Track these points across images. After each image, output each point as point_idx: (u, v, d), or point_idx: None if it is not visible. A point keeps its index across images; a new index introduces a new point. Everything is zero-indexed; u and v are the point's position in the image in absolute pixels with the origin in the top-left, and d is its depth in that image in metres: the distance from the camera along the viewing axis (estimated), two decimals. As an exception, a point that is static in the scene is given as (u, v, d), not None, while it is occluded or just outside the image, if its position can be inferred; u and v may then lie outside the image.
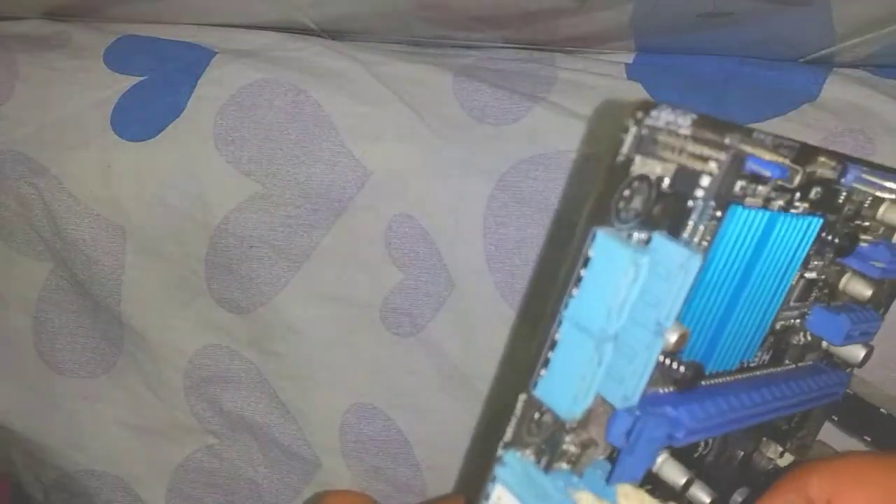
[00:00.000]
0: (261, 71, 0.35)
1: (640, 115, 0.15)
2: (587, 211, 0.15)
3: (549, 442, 0.17)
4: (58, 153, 0.35)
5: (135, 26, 0.37)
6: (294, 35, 0.37)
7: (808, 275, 0.22)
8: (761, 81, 0.35)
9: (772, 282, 0.20)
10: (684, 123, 0.15)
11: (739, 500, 0.24)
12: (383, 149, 0.35)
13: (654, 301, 0.15)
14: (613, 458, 0.18)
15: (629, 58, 0.37)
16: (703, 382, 0.20)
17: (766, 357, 0.23)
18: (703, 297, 0.18)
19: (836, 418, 0.27)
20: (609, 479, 0.17)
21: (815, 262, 0.22)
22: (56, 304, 0.38)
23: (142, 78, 0.36)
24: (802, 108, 0.34)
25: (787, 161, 0.18)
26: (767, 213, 0.18)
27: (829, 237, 0.21)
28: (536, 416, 0.17)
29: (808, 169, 0.19)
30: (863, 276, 0.23)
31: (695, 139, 0.16)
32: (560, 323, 0.16)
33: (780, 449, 0.23)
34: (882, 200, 0.23)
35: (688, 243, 0.17)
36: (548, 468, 0.17)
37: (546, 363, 0.16)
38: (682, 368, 0.16)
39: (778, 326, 0.22)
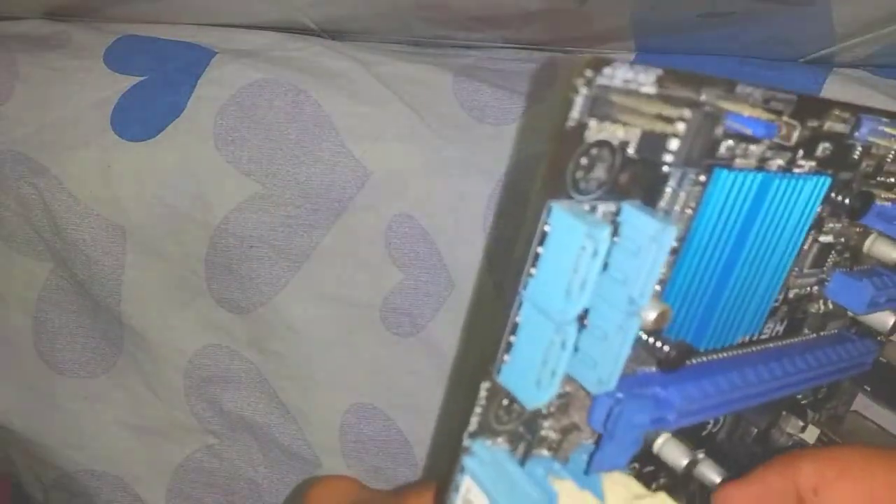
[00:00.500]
0: (261, 71, 0.35)
1: (589, 73, 0.13)
2: (539, 182, 0.14)
3: (527, 427, 0.16)
4: (58, 153, 0.35)
5: (135, 26, 0.37)
6: (294, 35, 0.37)
7: (822, 238, 0.20)
8: (761, 81, 0.35)
9: (774, 249, 0.18)
10: (647, 81, 0.14)
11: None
12: (383, 149, 0.35)
13: (623, 278, 0.14)
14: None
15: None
16: (703, 359, 0.18)
17: (781, 328, 0.21)
18: (691, 269, 0.17)
19: (868, 388, 0.25)
20: (587, 469, 0.16)
21: (831, 225, 0.20)
22: (56, 304, 0.38)
23: (142, 78, 0.36)
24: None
25: (779, 117, 0.17)
26: (760, 176, 0.17)
27: (840, 198, 0.19)
28: (504, 402, 0.15)
29: (811, 124, 0.17)
30: (889, 236, 0.21)
31: (661, 98, 0.14)
32: (520, 304, 0.14)
33: (801, 423, 0.22)
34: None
35: (665, 213, 0.15)
36: (526, 455, 0.16)
37: (508, 348, 0.15)
38: (665, 348, 0.15)
39: (791, 296, 0.20)
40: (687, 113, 0.15)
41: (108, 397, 0.39)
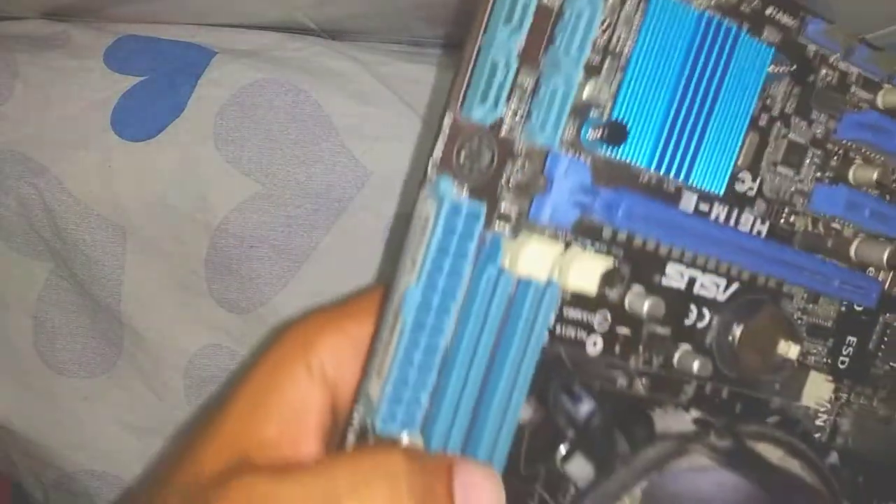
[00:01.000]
0: (261, 71, 0.35)
1: None
2: None
3: (487, 197, 0.17)
4: (58, 153, 0.35)
5: (135, 26, 0.37)
6: (294, 35, 0.37)
7: (792, 136, 0.21)
8: None
9: (715, 89, 0.19)
10: None
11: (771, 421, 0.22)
12: (383, 149, 0.35)
13: (565, 43, 0.16)
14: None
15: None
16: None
17: (762, 227, 0.21)
18: (637, 76, 0.18)
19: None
20: (528, 215, 0.17)
21: (800, 125, 0.21)
22: (56, 304, 0.38)
23: (142, 78, 0.36)
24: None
25: None
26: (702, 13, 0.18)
27: (780, 69, 0.20)
28: (469, 146, 0.17)
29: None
30: (865, 158, 0.22)
31: None
32: (477, 51, 0.16)
33: (798, 347, 0.21)
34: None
35: None
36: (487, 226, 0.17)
37: (468, 85, 0.16)
38: (604, 128, 0.17)
39: (766, 189, 0.21)
40: None
41: (107, 397, 0.39)
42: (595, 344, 0.19)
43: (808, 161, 0.21)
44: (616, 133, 0.17)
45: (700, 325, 0.20)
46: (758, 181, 0.21)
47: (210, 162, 0.35)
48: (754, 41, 0.19)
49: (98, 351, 0.39)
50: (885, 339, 0.23)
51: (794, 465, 0.20)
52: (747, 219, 0.21)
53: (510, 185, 0.17)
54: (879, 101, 0.22)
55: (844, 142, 0.22)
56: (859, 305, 0.23)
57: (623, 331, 0.19)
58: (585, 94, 0.17)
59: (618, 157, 0.18)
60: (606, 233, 0.18)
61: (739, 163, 0.20)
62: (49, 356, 0.39)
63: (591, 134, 0.17)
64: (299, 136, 0.35)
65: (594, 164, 0.18)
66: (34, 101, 0.36)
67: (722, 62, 0.19)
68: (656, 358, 0.20)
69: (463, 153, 0.17)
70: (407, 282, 0.16)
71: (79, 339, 0.38)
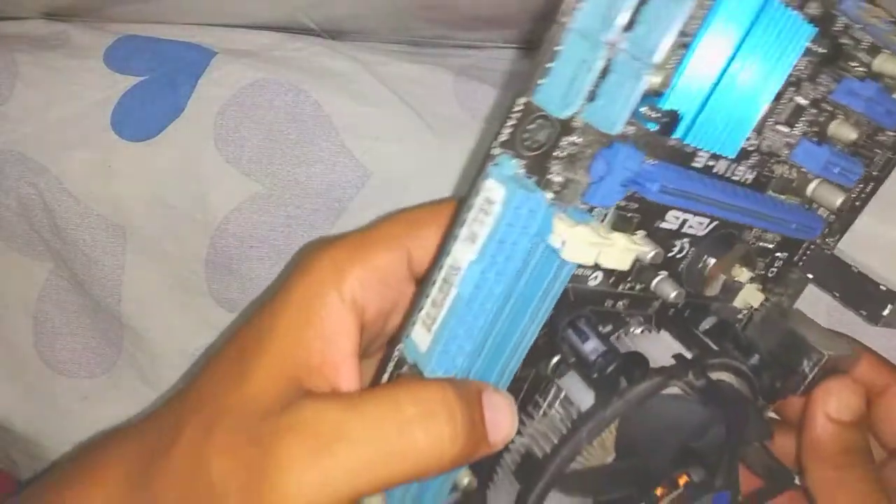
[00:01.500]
0: (261, 71, 0.35)
1: None
2: None
3: (538, 164, 0.18)
4: (58, 153, 0.35)
5: (135, 26, 0.37)
6: (294, 35, 0.37)
7: (798, 99, 0.23)
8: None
9: (758, 74, 0.20)
10: None
11: (706, 327, 0.26)
12: (383, 149, 0.35)
13: (646, 31, 0.16)
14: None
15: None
16: (691, 170, 0.21)
17: (750, 176, 0.24)
18: (693, 65, 0.19)
19: (811, 276, 0.29)
20: (583, 198, 0.19)
21: (807, 89, 0.23)
22: (56, 304, 0.38)
23: (142, 78, 0.36)
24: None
25: None
26: None
27: (817, 48, 0.21)
28: (532, 126, 0.18)
29: None
30: (849, 118, 0.24)
31: None
32: (564, 33, 0.17)
33: (750, 273, 0.25)
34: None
35: None
36: (536, 187, 0.19)
37: (545, 73, 0.17)
38: (660, 115, 0.17)
39: (763, 145, 0.23)
40: None
41: (107, 397, 0.39)
42: (596, 278, 0.22)
43: (803, 119, 0.24)
44: (671, 122, 0.18)
45: (679, 255, 0.24)
46: (759, 139, 0.23)
47: (210, 162, 0.35)
48: (798, 17, 0.20)
49: (98, 351, 0.39)
50: (807, 254, 0.29)
51: (734, 381, 0.25)
52: (741, 170, 0.23)
53: (568, 167, 0.19)
54: (874, 65, 0.23)
55: (837, 103, 0.24)
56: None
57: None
58: (652, 84, 0.17)
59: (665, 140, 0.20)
60: (635, 199, 0.20)
61: (754, 126, 0.22)
62: (49, 356, 0.39)
63: (646, 114, 0.17)
64: (299, 136, 0.35)
65: (642, 142, 0.20)
66: (34, 101, 0.36)
67: (770, 42, 0.20)
68: (639, 284, 0.23)
69: (527, 134, 0.18)
70: (467, 257, 0.18)
71: (79, 339, 0.38)
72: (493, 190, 0.18)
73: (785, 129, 0.23)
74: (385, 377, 0.21)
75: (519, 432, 0.21)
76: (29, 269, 0.38)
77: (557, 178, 0.19)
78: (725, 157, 0.22)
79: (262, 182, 0.35)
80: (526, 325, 0.20)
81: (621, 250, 0.18)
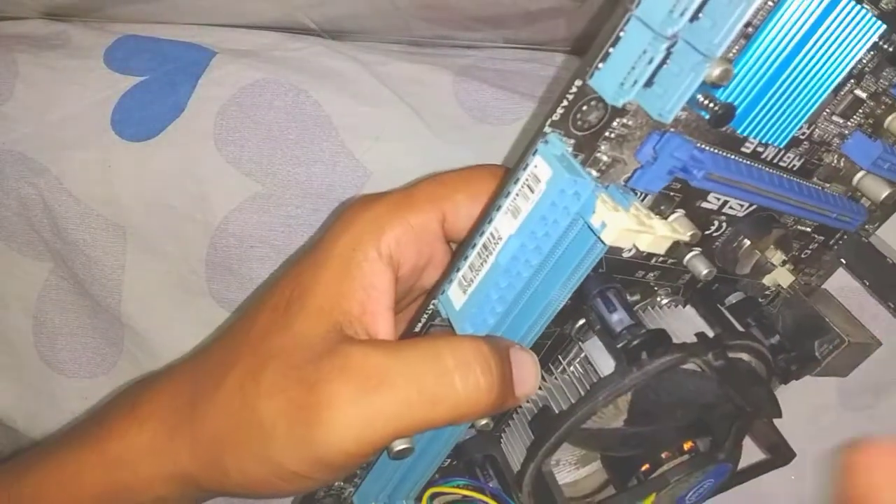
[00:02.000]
0: (261, 71, 0.35)
1: None
2: None
3: (587, 143, 0.19)
4: (58, 153, 0.35)
5: (135, 26, 0.37)
6: (294, 35, 0.37)
7: (857, 92, 0.22)
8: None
9: (820, 68, 0.20)
10: None
11: (733, 301, 0.27)
12: (383, 149, 0.35)
13: (710, 24, 0.16)
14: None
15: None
16: (737, 157, 0.21)
17: (797, 164, 0.24)
18: (754, 57, 0.19)
19: (844, 261, 0.29)
20: (629, 181, 0.20)
21: (868, 82, 0.22)
22: (56, 304, 0.38)
23: (142, 78, 0.36)
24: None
25: None
26: None
27: (885, 45, 0.21)
28: (585, 108, 0.18)
29: None
30: None
31: None
32: (628, 21, 0.17)
33: (784, 257, 0.25)
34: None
35: None
36: (583, 165, 0.19)
37: (605, 57, 0.17)
38: (716, 106, 0.17)
39: (815, 135, 0.23)
40: None
41: (107, 397, 0.39)
42: (630, 251, 0.22)
43: (860, 111, 0.23)
44: (726, 115, 0.18)
45: (715, 233, 0.24)
46: (812, 128, 0.23)
47: (210, 162, 0.35)
48: (868, 13, 0.20)
49: (98, 351, 0.39)
50: (843, 239, 0.29)
51: (752, 361, 0.25)
52: (789, 157, 0.23)
53: (616, 147, 0.19)
54: None
55: None
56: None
57: None
58: (710, 76, 0.17)
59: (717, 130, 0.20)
60: (679, 180, 0.20)
61: (808, 117, 0.22)
62: (49, 356, 0.39)
63: (701, 102, 0.17)
64: (299, 136, 0.35)
65: (692, 126, 0.20)
66: (34, 101, 0.36)
67: (835, 37, 0.20)
68: (672, 259, 0.24)
69: (580, 115, 0.18)
70: (508, 229, 0.19)
71: (79, 339, 0.38)
72: (540, 168, 0.18)
73: (840, 121, 0.23)
74: (419, 326, 0.23)
75: (538, 386, 0.23)
76: (29, 269, 0.38)
77: (604, 158, 0.19)
78: (774, 145, 0.22)
79: (262, 182, 0.35)
80: (556, 293, 0.21)
81: (660, 237, 0.19)
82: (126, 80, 0.36)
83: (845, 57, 0.20)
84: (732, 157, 0.21)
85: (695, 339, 0.24)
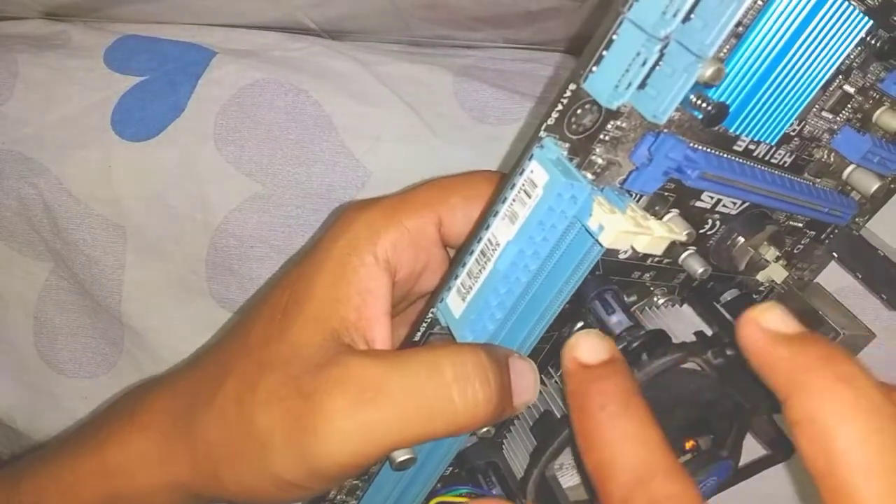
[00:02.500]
0: (261, 71, 0.35)
1: None
2: None
3: (582, 146, 0.19)
4: (58, 153, 0.35)
5: (135, 26, 0.37)
6: (294, 35, 0.37)
7: (846, 87, 0.22)
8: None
9: (810, 64, 0.20)
10: None
11: (728, 298, 0.27)
12: (383, 149, 0.35)
13: (702, 25, 0.16)
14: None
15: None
16: (730, 156, 0.22)
17: (788, 160, 0.24)
18: (745, 56, 0.19)
19: (836, 255, 0.29)
20: (624, 183, 0.19)
21: (856, 77, 0.22)
22: (56, 304, 0.38)
23: (142, 78, 0.36)
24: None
25: None
26: None
27: (872, 40, 0.21)
28: (579, 111, 0.18)
29: None
30: (894, 107, 0.24)
31: None
32: (620, 24, 0.17)
33: (778, 253, 0.25)
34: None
35: None
36: (578, 168, 0.19)
37: (598, 60, 0.17)
38: (708, 106, 0.17)
39: (805, 131, 0.23)
40: None
41: (108, 397, 0.39)
42: (626, 252, 0.22)
43: (848, 106, 0.23)
44: (719, 114, 0.18)
45: (710, 232, 0.24)
46: (802, 124, 0.23)
47: (210, 162, 0.35)
48: (855, 10, 0.20)
49: (98, 351, 0.39)
50: (834, 233, 0.29)
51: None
52: (780, 154, 0.23)
53: (610, 149, 0.19)
54: None
55: (884, 92, 0.24)
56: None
57: None
58: (703, 76, 0.17)
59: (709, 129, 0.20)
60: (673, 180, 0.20)
61: (798, 114, 0.22)
62: (50, 356, 0.39)
63: (694, 102, 0.17)
64: (300, 136, 0.35)
65: (685, 127, 0.20)
66: (34, 101, 0.36)
67: (824, 34, 0.20)
68: (667, 259, 0.24)
69: (574, 118, 0.18)
70: (506, 235, 0.19)
71: (79, 339, 0.38)
72: (536, 173, 0.18)
73: (829, 116, 0.23)
74: (418, 335, 0.22)
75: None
76: (29, 269, 0.38)
77: (599, 160, 0.19)
78: (766, 142, 0.22)
79: (262, 182, 0.35)
80: (554, 297, 0.21)
81: (657, 238, 0.19)
82: (126, 80, 0.36)
83: (834, 53, 0.21)
84: (725, 155, 0.21)
85: (693, 338, 0.24)
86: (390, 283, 0.21)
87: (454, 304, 0.21)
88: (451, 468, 0.26)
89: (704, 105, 0.17)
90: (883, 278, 0.28)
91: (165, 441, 0.22)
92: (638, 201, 0.21)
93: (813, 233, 0.28)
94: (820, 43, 0.20)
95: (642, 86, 0.17)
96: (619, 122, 0.18)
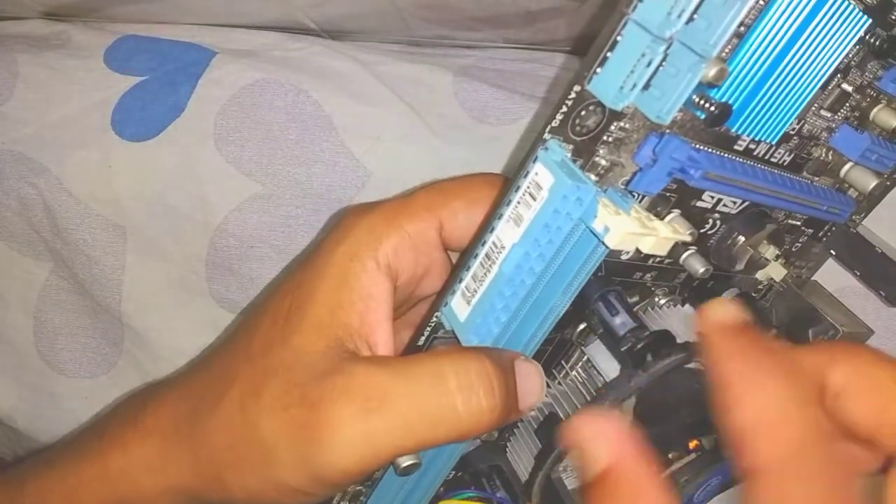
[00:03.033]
0: (261, 71, 0.35)
1: None
2: None
3: (585, 148, 0.19)
4: (58, 153, 0.35)
5: (135, 26, 0.37)
6: (294, 35, 0.37)
7: (844, 86, 0.23)
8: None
9: (811, 63, 0.20)
10: None
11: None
12: (383, 149, 0.35)
13: (706, 25, 0.16)
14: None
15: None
16: (731, 156, 0.22)
17: (787, 159, 0.24)
18: (747, 55, 0.19)
19: (834, 252, 0.29)
20: (628, 184, 0.20)
21: (854, 76, 0.23)
22: (56, 304, 0.38)
23: (142, 78, 0.36)
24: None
25: None
26: None
27: (870, 39, 0.21)
28: (583, 113, 0.18)
29: None
30: (891, 105, 0.24)
31: None
32: (625, 25, 0.17)
33: (777, 251, 0.25)
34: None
35: None
36: (582, 169, 0.19)
37: (603, 62, 0.17)
38: (711, 106, 0.17)
39: (805, 130, 0.23)
40: None
41: (108, 397, 0.39)
42: (628, 253, 0.22)
43: (847, 105, 0.24)
44: (722, 114, 0.18)
45: (710, 231, 0.24)
46: (801, 123, 0.23)
47: (210, 162, 0.35)
48: (855, 9, 0.20)
49: (98, 351, 0.39)
50: (831, 231, 0.29)
51: None
52: (780, 153, 0.23)
53: (614, 150, 0.19)
54: None
55: (882, 90, 0.24)
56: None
57: None
58: (707, 77, 0.17)
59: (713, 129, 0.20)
60: (675, 180, 0.20)
61: (798, 113, 0.22)
62: (50, 356, 0.39)
63: (697, 102, 0.17)
64: (299, 136, 0.35)
65: (687, 127, 0.20)
66: (34, 101, 0.36)
67: (825, 33, 0.20)
68: (669, 259, 0.24)
69: (578, 120, 0.18)
70: (511, 238, 0.19)
71: (79, 339, 0.38)
72: (541, 175, 0.18)
73: (828, 115, 0.23)
74: (422, 340, 0.22)
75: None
76: (29, 269, 0.38)
77: (602, 162, 0.19)
78: (766, 141, 0.22)
79: (262, 182, 0.35)
80: (558, 299, 0.21)
81: (662, 239, 0.19)
82: (126, 80, 0.36)
83: (834, 51, 0.21)
84: (726, 155, 0.21)
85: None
86: (392, 288, 0.21)
87: (458, 307, 0.21)
88: (454, 472, 0.26)
89: (708, 105, 0.17)
90: (881, 274, 0.28)
91: (168, 446, 0.22)
92: (640, 202, 0.21)
93: (811, 230, 0.28)
94: (821, 41, 0.20)
95: (646, 87, 0.17)
96: (622, 124, 0.18)
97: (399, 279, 0.22)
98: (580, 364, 0.25)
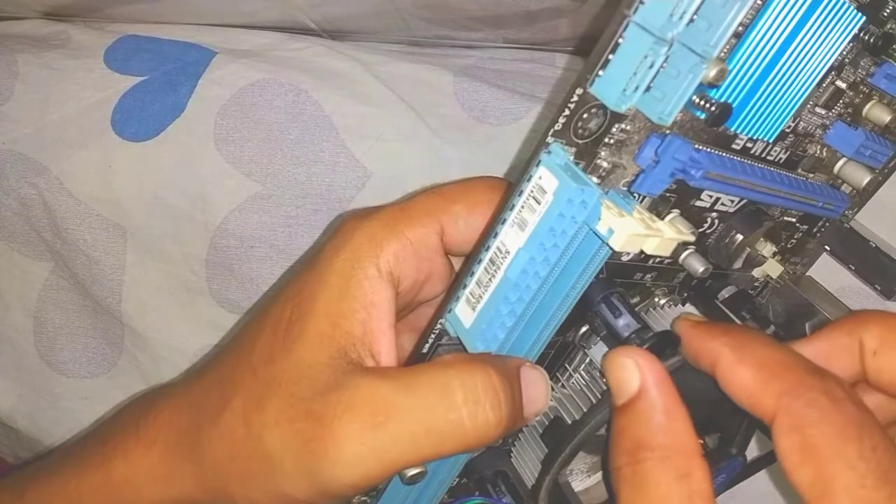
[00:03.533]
0: (261, 71, 0.35)
1: None
2: None
3: (587, 150, 0.19)
4: (58, 153, 0.35)
5: (135, 26, 0.37)
6: (294, 35, 0.37)
7: (838, 83, 0.23)
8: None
9: (807, 61, 0.20)
10: None
11: (726, 295, 0.27)
12: (383, 149, 0.35)
13: (706, 26, 0.16)
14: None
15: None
16: (730, 155, 0.22)
17: (783, 156, 0.24)
18: (745, 55, 0.19)
19: (828, 248, 0.30)
20: (630, 187, 0.20)
21: (848, 73, 0.23)
22: (56, 304, 0.38)
23: (142, 78, 0.36)
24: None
25: None
26: None
27: (864, 36, 0.22)
28: (586, 115, 0.18)
29: None
30: (883, 101, 0.24)
31: None
32: (626, 27, 0.17)
33: (774, 248, 0.25)
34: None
35: None
36: (585, 173, 0.19)
37: (605, 64, 0.17)
38: (712, 106, 0.17)
39: (800, 128, 0.23)
40: None
41: (108, 397, 0.39)
42: (629, 254, 0.22)
43: (840, 102, 0.24)
44: (723, 114, 0.18)
45: (708, 230, 0.24)
46: (797, 120, 0.23)
47: (210, 162, 0.35)
48: (849, 6, 0.20)
49: (98, 351, 0.39)
50: (825, 226, 0.29)
51: None
52: (776, 151, 0.24)
53: (615, 152, 0.19)
54: None
55: (874, 86, 0.24)
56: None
57: None
58: (708, 78, 0.17)
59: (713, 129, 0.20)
60: (675, 181, 0.20)
61: (794, 111, 0.22)
62: (50, 356, 0.39)
63: (697, 103, 0.17)
64: (300, 136, 0.35)
65: (687, 127, 0.20)
66: (34, 101, 0.36)
67: (821, 31, 0.20)
68: (668, 259, 0.24)
69: (581, 123, 0.18)
70: (516, 243, 0.19)
71: (79, 339, 0.38)
72: (545, 179, 0.18)
73: (822, 112, 0.24)
74: (426, 347, 0.22)
75: None
76: (29, 269, 0.38)
77: (604, 164, 0.19)
78: (763, 139, 0.22)
79: (262, 182, 0.35)
80: (562, 302, 0.21)
81: (666, 239, 0.19)
82: (126, 80, 0.36)
83: (830, 49, 0.21)
84: (725, 154, 0.22)
85: None
86: (394, 295, 0.21)
87: (463, 314, 0.21)
88: (458, 478, 0.26)
89: (708, 105, 0.17)
90: (875, 268, 0.28)
91: (171, 456, 0.22)
92: (641, 203, 0.21)
93: (805, 227, 0.28)
94: (817, 38, 0.20)
95: (647, 88, 0.17)
96: (623, 125, 0.18)
97: (401, 285, 0.22)
98: (583, 367, 0.25)
